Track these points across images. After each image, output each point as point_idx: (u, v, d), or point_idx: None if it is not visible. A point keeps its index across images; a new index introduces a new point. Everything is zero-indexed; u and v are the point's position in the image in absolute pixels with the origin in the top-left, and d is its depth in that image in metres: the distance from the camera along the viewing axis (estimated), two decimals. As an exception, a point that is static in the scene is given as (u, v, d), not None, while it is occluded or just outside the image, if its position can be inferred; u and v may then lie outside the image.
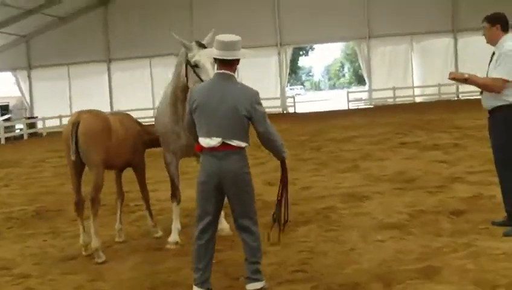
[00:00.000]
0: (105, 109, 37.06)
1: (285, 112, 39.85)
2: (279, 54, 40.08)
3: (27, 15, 34.57)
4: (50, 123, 35.02)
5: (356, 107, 37.80)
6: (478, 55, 36.09)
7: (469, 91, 36.19)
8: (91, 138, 6.85)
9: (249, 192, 5.25)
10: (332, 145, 16.86)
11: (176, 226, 7.55)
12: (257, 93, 5.32)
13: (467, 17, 36.71)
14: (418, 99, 37.63)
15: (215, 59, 5.37)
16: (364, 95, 41.17)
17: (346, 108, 37.62)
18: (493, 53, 6.79)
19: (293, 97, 41.81)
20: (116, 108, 38.05)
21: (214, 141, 5.12)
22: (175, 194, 7.68)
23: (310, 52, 65.82)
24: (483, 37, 6.80)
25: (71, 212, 9.95)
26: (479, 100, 6.99)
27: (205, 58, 6.63)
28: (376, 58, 38.89)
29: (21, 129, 34.32)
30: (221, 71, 5.28)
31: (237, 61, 5.32)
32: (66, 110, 37.15)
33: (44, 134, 33.92)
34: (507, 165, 6.70)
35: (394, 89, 36.83)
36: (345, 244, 6.81)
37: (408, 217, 7.79)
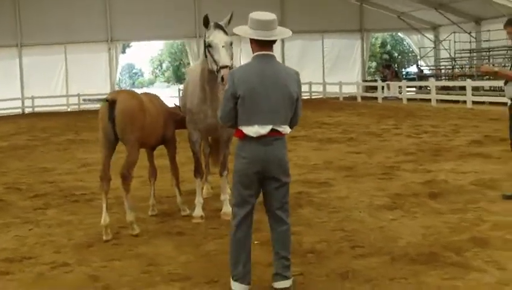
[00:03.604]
0: (15, 94, 35.63)
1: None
2: (109, 49, 39.31)
3: None
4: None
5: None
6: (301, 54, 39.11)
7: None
8: (128, 117, 6.98)
9: (287, 182, 5.04)
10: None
11: (199, 200, 7.96)
12: (298, 73, 5.13)
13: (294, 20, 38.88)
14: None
15: (251, 40, 4.97)
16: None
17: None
18: None
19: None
20: (27, 94, 36.67)
21: (264, 130, 4.85)
22: (199, 171, 8.08)
23: (127, 50, 64.50)
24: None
25: (18, 202, 9.42)
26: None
27: (218, 38, 6.93)
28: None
29: None
30: (261, 52, 4.95)
31: (275, 40, 4.99)
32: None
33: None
34: None
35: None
36: (366, 223, 7.32)
37: (391, 200, 8.45)
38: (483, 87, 29.70)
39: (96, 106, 35.02)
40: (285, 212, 5.07)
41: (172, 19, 37.95)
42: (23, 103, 37.23)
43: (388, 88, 32.70)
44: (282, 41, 39.55)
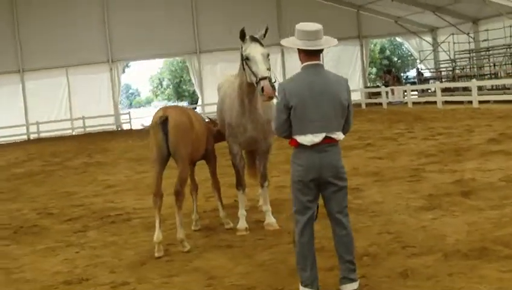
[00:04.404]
0: (19, 120, 36.13)
1: (119, 128, 39.43)
2: (111, 70, 39.63)
3: None
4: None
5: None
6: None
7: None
8: (181, 132, 7.21)
9: (345, 186, 5.22)
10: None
11: (242, 213, 8.10)
12: (347, 80, 5.34)
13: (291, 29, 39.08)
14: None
15: (299, 50, 5.16)
16: (199, 110, 42.06)
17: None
18: None
19: (129, 114, 41.45)
20: (30, 118, 37.36)
21: (317, 138, 5.03)
22: (241, 184, 8.22)
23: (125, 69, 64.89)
24: None
25: (54, 227, 9.57)
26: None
27: (255, 51, 7.14)
28: (207, 73, 39.77)
29: None
30: (309, 62, 5.16)
31: (322, 50, 5.22)
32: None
33: None
34: None
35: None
36: (408, 224, 7.52)
37: (426, 201, 8.65)
38: (485, 86, 30.00)
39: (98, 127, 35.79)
40: (345, 216, 5.23)
41: (171, 36, 38.31)
42: (28, 129, 37.50)
43: (392, 93, 32.97)
44: (282, 52, 39.82)
